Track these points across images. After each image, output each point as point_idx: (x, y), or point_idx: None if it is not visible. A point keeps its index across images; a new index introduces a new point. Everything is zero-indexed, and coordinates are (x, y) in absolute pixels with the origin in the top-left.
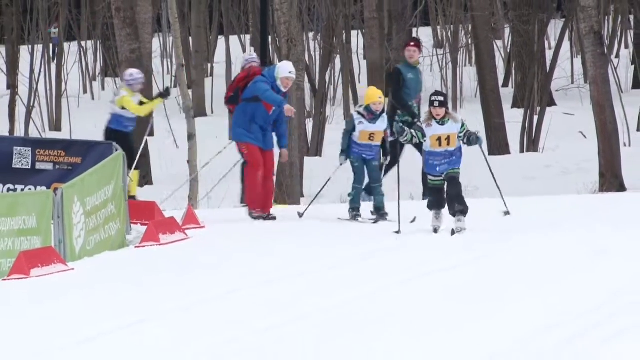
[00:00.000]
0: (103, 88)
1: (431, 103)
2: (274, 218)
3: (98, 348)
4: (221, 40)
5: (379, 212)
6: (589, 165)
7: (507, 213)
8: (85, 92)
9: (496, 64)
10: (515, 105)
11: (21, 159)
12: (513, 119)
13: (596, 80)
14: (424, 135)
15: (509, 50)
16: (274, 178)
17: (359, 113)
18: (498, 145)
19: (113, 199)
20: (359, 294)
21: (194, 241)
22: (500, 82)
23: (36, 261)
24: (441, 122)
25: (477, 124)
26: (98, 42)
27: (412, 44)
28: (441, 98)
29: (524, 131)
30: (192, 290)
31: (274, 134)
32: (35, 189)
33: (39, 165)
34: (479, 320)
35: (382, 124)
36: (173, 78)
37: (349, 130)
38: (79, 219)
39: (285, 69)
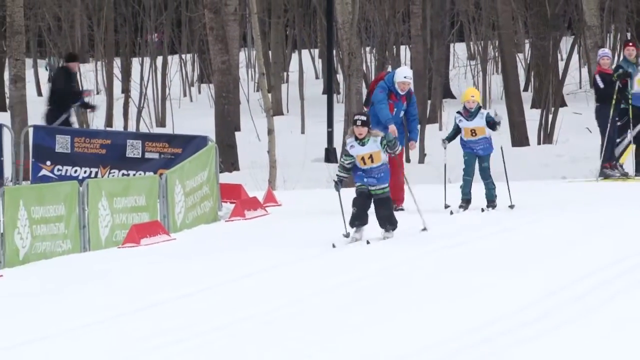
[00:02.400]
0: (199, 92)
1: (354, 122)
2: (402, 209)
3: (195, 301)
4: (295, 53)
5: (490, 204)
6: (593, 155)
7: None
8: (184, 95)
9: (518, 72)
10: (533, 106)
11: (133, 149)
12: (532, 117)
13: None
14: (349, 156)
15: (528, 61)
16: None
17: (458, 112)
18: (519, 138)
19: (207, 182)
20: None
21: (272, 217)
22: (522, 87)
23: (145, 232)
24: (361, 142)
25: (502, 121)
26: (195, 54)
27: (630, 44)
28: (363, 118)
29: (541, 127)
30: (271, 256)
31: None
32: (144, 174)
33: (147, 155)
34: (495, 285)
35: (480, 120)
36: (256, 84)
37: (454, 129)
38: (179, 198)
39: (400, 75)
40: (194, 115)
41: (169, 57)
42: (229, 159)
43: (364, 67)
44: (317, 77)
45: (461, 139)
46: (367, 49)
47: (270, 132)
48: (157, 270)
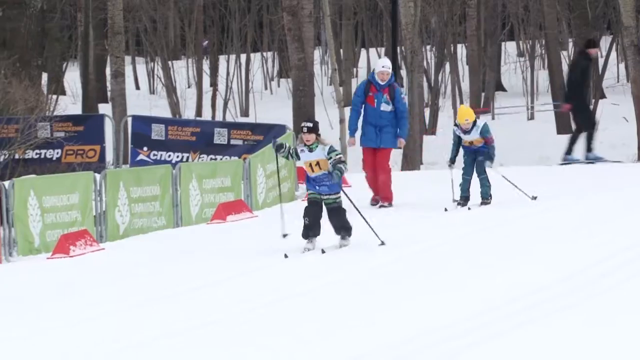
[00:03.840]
0: (279, 86)
1: (301, 129)
2: (390, 206)
3: (270, 273)
4: (363, 51)
5: (484, 201)
6: (630, 142)
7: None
8: (265, 88)
9: (562, 68)
10: None
11: (220, 137)
12: None
13: (635, 80)
14: (298, 158)
15: (571, 58)
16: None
17: (455, 125)
18: (564, 127)
19: (285, 165)
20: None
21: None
22: (565, 81)
23: (231, 210)
24: (309, 148)
25: (549, 112)
26: (275, 52)
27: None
28: (310, 124)
29: None
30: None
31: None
32: (230, 158)
33: (232, 142)
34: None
35: (475, 133)
36: (328, 79)
37: (455, 141)
38: (261, 180)
39: (379, 65)
40: (273, 106)
41: (252, 55)
42: None
43: (425, 64)
44: None
45: (462, 145)
46: (428, 47)
47: (342, 121)
48: (239, 243)
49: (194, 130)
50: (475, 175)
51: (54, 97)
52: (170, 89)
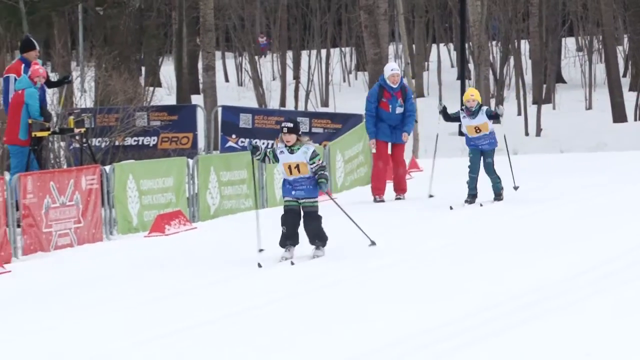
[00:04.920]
0: (356, 78)
1: (281, 129)
2: (402, 198)
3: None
4: (434, 46)
5: (497, 197)
6: None
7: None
8: (344, 81)
9: (618, 62)
10: (631, 89)
11: (302, 125)
12: (629, 98)
13: None
14: (277, 160)
15: (627, 53)
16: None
17: (461, 110)
18: (619, 116)
19: (362, 152)
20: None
21: (415, 180)
22: (621, 74)
23: None
24: (290, 149)
25: (605, 102)
26: (353, 47)
27: None
28: (290, 125)
29: (637, 106)
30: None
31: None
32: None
33: (313, 130)
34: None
35: (482, 116)
36: (402, 72)
37: (456, 114)
38: (340, 165)
39: (388, 69)
40: (351, 97)
41: (332, 50)
42: None
43: (490, 58)
44: (452, 66)
45: (466, 137)
46: (493, 42)
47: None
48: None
49: (278, 119)
50: (483, 173)
51: (151, 88)
52: (257, 82)
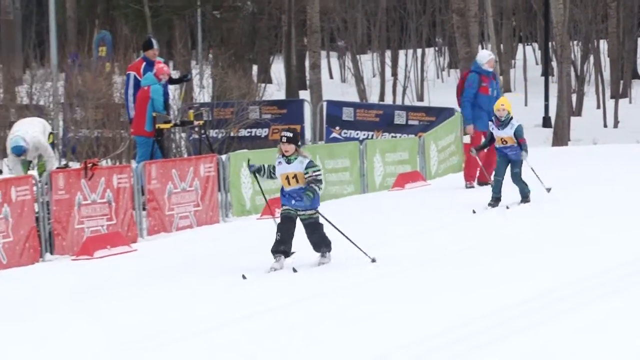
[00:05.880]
0: (449, 75)
1: (280, 138)
2: (473, 187)
3: (449, 232)
4: (520, 45)
5: (524, 199)
6: None
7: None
8: (438, 77)
9: None
10: None
11: (399, 118)
12: None
13: None
14: (273, 176)
15: None
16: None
17: (490, 120)
18: None
19: (454, 142)
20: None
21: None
22: None
23: (408, 179)
24: (288, 159)
25: None
26: (446, 47)
27: None
28: (289, 134)
29: None
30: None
31: None
32: (408, 136)
33: (410, 122)
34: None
35: (510, 130)
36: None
37: (488, 137)
38: (433, 154)
39: (486, 55)
40: (444, 92)
41: (426, 49)
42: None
43: (572, 56)
44: (536, 64)
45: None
46: (574, 42)
47: None
48: (414, 203)
49: (378, 112)
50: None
51: (263, 85)
52: (358, 78)
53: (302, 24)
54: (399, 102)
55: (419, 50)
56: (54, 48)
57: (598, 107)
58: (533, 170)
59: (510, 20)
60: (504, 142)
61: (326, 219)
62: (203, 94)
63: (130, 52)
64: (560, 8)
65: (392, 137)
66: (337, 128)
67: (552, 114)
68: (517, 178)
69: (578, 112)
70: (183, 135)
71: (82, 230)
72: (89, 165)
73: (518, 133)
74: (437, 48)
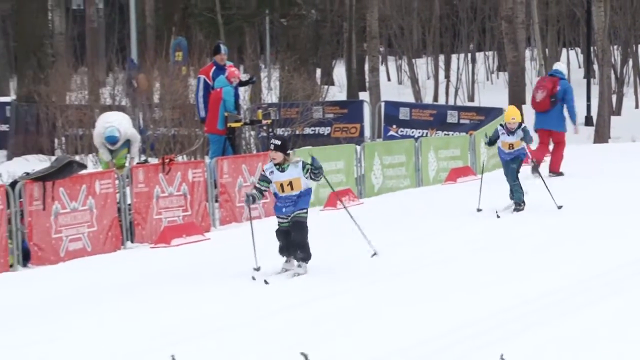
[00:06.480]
0: (497, 77)
1: (269, 145)
2: (562, 174)
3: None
4: (564, 50)
5: (518, 206)
6: None
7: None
8: (487, 79)
9: None
10: None
11: (452, 117)
12: None
13: None
14: (268, 183)
15: None
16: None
17: (501, 125)
18: None
19: None
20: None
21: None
22: None
23: (460, 174)
24: (281, 168)
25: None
26: (495, 51)
27: None
28: (278, 142)
29: None
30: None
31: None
32: (459, 134)
33: (461, 121)
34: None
35: (518, 134)
36: (537, 72)
37: (493, 139)
38: (483, 151)
39: (565, 67)
40: (493, 93)
41: (477, 53)
42: None
43: (612, 60)
44: (579, 67)
45: (500, 149)
46: (614, 46)
47: None
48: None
49: (432, 112)
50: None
51: (325, 87)
52: (414, 81)
53: (362, 30)
54: (451, 102)
55: (470, 55)
56: (135, 53)
57: (636, 107)
58: (547, 187)
59: (555, 26)
60: (511, 147)
61: (345, 207)
62: (271, 95)
63: (204, 56)
64: (602, 15)
65: (445, 134)
66: (394, 126)
67: (594, 113)
68: (513, 175)
69: (618, 112)
70: (252, 133)
71: (160, 221)
72: (167, 160)
73: (526, 138)
74: (486, 53)
